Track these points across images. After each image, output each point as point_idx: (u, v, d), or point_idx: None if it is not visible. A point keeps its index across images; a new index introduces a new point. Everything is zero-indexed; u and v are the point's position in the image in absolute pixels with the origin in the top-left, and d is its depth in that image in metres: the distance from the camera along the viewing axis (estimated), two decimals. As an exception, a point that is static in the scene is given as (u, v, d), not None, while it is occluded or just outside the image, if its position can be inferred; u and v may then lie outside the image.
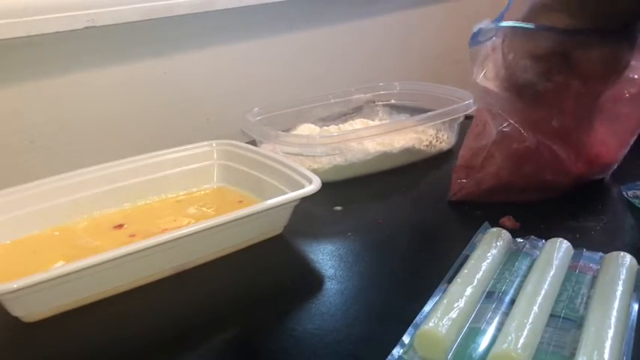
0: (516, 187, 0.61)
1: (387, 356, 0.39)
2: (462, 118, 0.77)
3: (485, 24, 0.57)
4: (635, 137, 0.63)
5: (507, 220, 0.57)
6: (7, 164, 0.70)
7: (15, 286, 0.42)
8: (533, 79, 0.56)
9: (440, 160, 0.77)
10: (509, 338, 0.37)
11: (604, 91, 0.58)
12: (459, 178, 0.63)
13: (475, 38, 0.57)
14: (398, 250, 0.56)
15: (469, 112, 0.75)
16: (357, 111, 0.86)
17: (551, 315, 0.41)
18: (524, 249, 0.50)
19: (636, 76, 0.58)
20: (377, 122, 0.83)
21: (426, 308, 0.43)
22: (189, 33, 0.82)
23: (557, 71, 0.56)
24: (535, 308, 0.40)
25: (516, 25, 0.56)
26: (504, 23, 0.56)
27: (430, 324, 0.39)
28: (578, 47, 0.55)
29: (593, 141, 0.61)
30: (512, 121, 0.58)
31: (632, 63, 0.56)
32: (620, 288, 0.43)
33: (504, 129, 0.59)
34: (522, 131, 0.58)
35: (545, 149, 0.59)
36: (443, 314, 0.40)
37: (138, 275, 0.50)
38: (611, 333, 0.38)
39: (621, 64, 0.56)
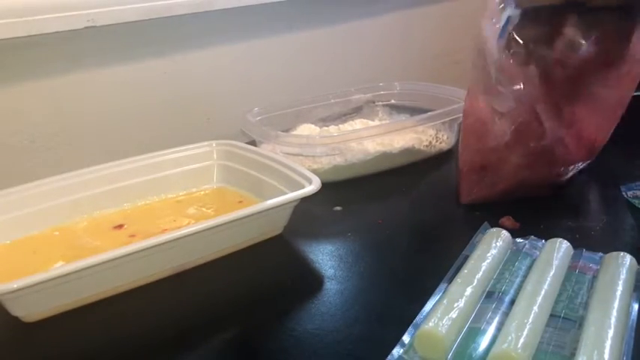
0: (528, 185, 0.61)
1: (387, 356, 0.39)
2: (461, 118, 0.77)
3: (510, 11, 0.56)
4: (622, 114, 0.62)
5: (507, 220, 0.57)
6: (7, 164, 0.70)
7: (15, 286, 0.42)
8: (535, 50, 0.57)
9: (440, 160, 0.77)
10: (510, 338, 0.37)
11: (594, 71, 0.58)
12: (469, 182, 0.62)
13: (505, 28, 0.57)
14: (398, 250, 0.56)
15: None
16: (357, 111, 0.86)
17: (551, 315, 0.41)
18: (524, 249, 0.50)
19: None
20: (377, 122, 0.83)
21: (426, 308, 0.43)
22: (189, 33, 0.82)
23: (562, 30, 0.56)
24: (535, 308, 0.40)
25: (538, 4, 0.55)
26: (528, 4, 0.56)
27: (430, 324, 0.39)
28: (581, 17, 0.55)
29: (590, 126, 0.61)
30: (526, 114, 0.58)
31: None
32: (620, 288, 0.43)
33: (519, 127, 0.58)
34: (538, 126, 0.58)
35: (557, 143, 0.59)
36: (443, 314, 0.40)
37: (138, 275, 0.50)
38: (611, 333, 0.38)
39: (623, 41, 0.57)
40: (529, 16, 0.56)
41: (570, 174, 0.64)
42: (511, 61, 0.57)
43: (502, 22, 0.57)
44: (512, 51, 0.57)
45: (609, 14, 0.55)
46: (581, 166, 0.64)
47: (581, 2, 0.55)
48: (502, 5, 0.57)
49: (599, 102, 0.60)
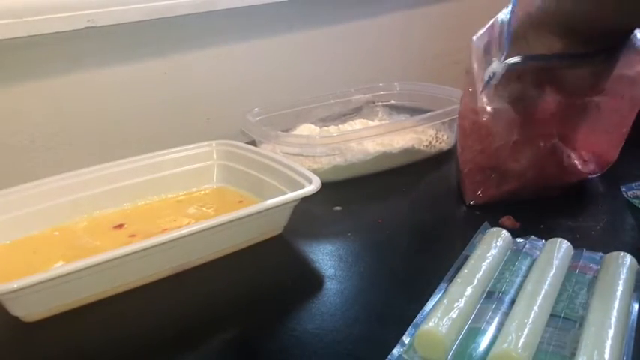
0: (536, 187, 0.61)
1: (387, 356, 0.39)
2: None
3: (496, 66, 0.57)
4: (628, 131, 0.63)
5: (507, 220, 0.57)
6: (7, 164, 0.70)
7: (15, 286, 0.42)
8: (522, 94, 0.57)
9: (440, 160, 0.77)
10: (510, 338, 0.37)
11: (587, 101, 0.59)
12: (474, 183, 0.62)
13: (489, 82, 0.58)
14: (398, 250, 0.56)
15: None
16: (356, 111, 0.86)
17: (552, 315, 0.41)
18: (524, 249, 0.50)
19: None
20: (377, 122, 0.83)
21: (426, 308, 0.43)
22: (189, 33, 0.82)
23: (542, 85, 0.57)
24: (535, 308, 0.40)
25: (525, 57, 0.56)
26: (513, 60, 0.56)
27: (430, 324, 0.39)
28: (565, 67, 0.56)
29: (597, 145, 0.62)
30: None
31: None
32: (620, 288, 0.43)
33: (528, 127, 0.59)
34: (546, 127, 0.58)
35: (566, 157, 0.60)
36: (443, 314, 0.40)
37: (138, 275, 0.50)
38: (611, 333, 0.38)
39: (601, 82, 0.58)
40: (515, 71, 0.56)
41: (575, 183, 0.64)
42: (495, 115, 0.58)
43: (486, 78, 0.58)
44: (495, 106, 0.58)
45: (595, 57, 0.56)
46: (591, 177, 0.64)
47: (580, 53, 0.55)
48: (505, 36, 0.57)
49: (603, 125, 0.61)
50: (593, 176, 0.64)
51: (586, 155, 0.62)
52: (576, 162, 0.61)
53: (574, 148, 0.61)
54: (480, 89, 0.59)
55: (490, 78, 0.57)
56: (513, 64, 0.56)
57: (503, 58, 0.57)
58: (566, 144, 0.60)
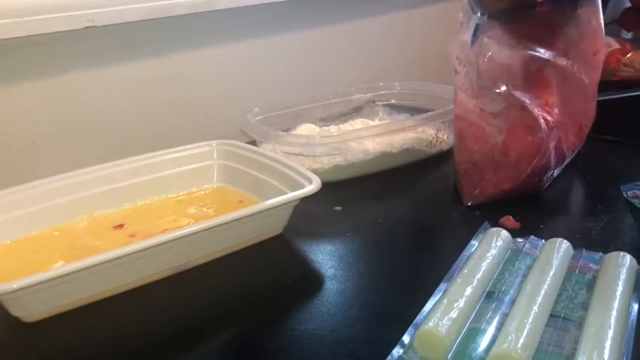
0: (529, 182, 0.61)
1: (387, 356, 0.39)
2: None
3: (477, 19, 0.58)
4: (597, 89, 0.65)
5: (507, 220, 0.57)
6: (7, 164, 0.70)
7: (15, 286, 0.42)
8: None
9: (440, 160, 0.77)
10: (509, 338, 0.37)
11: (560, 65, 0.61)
12: (470, 183, 0.62)
13: (476, 34, 0.58)
14: (398, 250, 0.56)
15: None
16: (357, 111, 0.86)
17: (551, 315, 0.41)
18: (524, 249, 0.50)
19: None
20: (377, 122, 0.83)
21: (426, 308, 0.43)
22: (189, 33, 0.82)
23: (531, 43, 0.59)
24: (535, 308, 0.40)
25: (508, 9, 0.58)
26: (493, 13, 0.58)
27: (430, 324, 0.39)
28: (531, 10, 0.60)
29: (576, 110, 0.64)
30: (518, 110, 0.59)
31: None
32: (619, 288, 0.43)
33: (514, 124, 0.59)
34: (532, 120, 0.59)
35: (553, 137, 0.60)
36: (443, 314, 0.40)
37: (138, 275, 0.50)
38: (611, 333, 0.38)
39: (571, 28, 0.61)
40: (495, 20, 0.58)
41: (564, 164, 0.65)
42: (487, 64, 0.59)
43: (471, 31, 0.59)
44: (487, 55, 0.59)
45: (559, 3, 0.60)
46: (572, 155, 0.65)
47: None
48: (470, 13, 0.59)
49: (580, 86, 0.62)
50: (574, 152, 0.65)
51: (568, 127, 0.63)
52: (546, 119, 0.61)
53: (558, 115, 0.62)
54: (470, 44, 0.60)
55: (476, 30, 0.58)
56: (495, 12, 0.58)
57: (479, 13, 0.58)
58: (552, 114, 0.61)
